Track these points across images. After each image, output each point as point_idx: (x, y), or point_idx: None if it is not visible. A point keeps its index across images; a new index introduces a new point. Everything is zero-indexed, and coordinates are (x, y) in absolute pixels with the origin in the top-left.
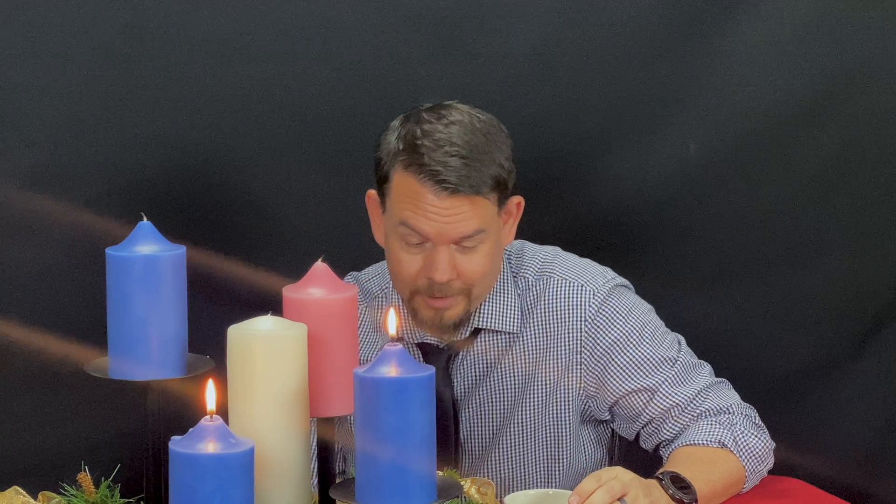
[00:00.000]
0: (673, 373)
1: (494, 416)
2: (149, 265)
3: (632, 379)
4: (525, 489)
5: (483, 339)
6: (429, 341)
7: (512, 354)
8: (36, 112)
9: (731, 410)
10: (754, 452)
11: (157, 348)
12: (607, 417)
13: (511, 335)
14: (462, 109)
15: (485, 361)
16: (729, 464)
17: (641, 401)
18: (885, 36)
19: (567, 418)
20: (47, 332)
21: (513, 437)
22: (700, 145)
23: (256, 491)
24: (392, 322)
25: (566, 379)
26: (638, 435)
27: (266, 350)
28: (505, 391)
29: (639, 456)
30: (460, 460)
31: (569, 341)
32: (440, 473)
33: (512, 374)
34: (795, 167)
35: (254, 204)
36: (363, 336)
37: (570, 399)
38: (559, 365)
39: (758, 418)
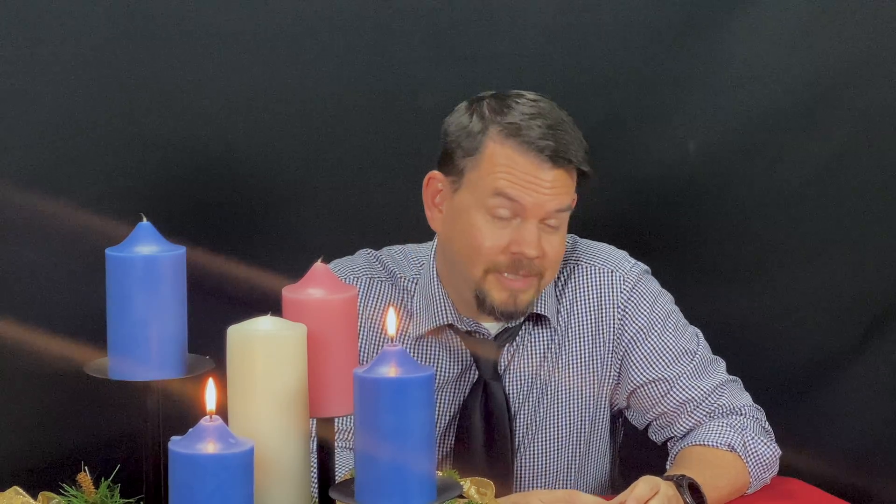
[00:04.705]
0: (692, 366)
1: (544, 407)
2: (149, 266)
3: (652, 369)
4: (567, 480)
5: (527, 334)
6: (474, 328)
7: (556, 347)
8: (36, 112)
9: (743, 412)
10: (762, 460)
11: (157, 348)
12: (625, 405)
13: (552, 328)
14: (535, 94)
15: (531, 354)
16: (736, 469)
17: (658, 392)
18: (885, 36)
19: (603, 405)
20: (47, 332)
21: (559, 427)
22: (700, 145)
23: (256, 491)
24: (391, 322)
25: (606, 366)
26: (648, 425)
27: (266, 350)
28: (550, 384)
29: (635, 443)
30: (517, 456)
31: (606, 329)
32: (440, 473)
33: (557, 367)
34: (795, 167)
35: (254, 204)
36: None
37: (607, 386)
38: (600, 353)
39: (766, 422)
